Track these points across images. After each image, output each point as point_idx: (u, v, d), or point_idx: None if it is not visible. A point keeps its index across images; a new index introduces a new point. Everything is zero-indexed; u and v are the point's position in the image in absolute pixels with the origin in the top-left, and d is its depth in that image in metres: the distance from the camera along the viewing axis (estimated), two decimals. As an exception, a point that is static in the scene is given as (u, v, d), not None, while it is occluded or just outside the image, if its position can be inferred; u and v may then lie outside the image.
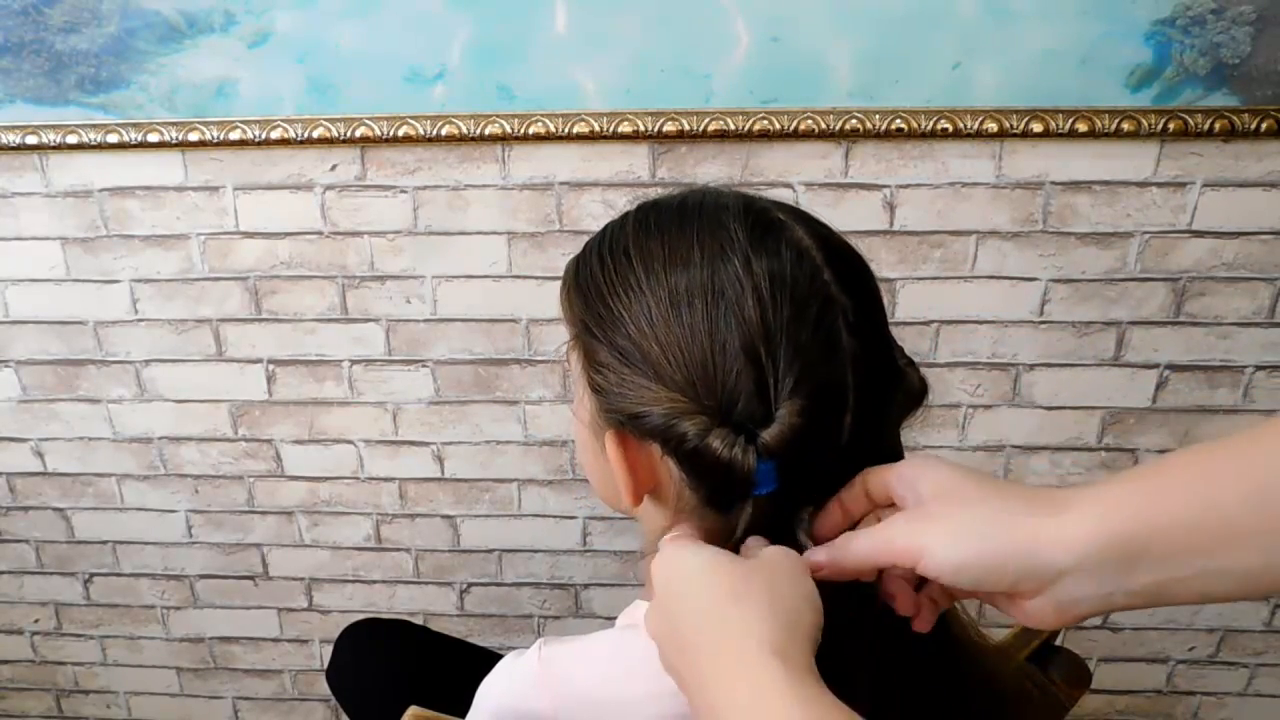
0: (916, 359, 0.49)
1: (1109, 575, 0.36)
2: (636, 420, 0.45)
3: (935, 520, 0.39)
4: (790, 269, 0.43)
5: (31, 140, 1.07)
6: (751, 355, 0.42)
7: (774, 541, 0.43)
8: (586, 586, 1.33)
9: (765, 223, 0.46)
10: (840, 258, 0.45)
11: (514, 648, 0.55)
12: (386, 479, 1.27)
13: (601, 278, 0.48)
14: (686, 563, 0.41)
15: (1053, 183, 1.05)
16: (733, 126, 1.02)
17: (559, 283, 0.54)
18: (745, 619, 0.37)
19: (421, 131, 1.04)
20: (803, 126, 1.01)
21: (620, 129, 1.02)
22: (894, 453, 0.48)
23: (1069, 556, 0.36)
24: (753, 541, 0.43)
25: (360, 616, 1.03)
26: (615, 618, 0.54)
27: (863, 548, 0.41)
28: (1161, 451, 1.17)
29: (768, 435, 0.41)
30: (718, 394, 0.42)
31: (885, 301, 1.09)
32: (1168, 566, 0.35)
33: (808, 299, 0.43)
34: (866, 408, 0.44)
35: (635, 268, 0.46)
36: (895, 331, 0.49)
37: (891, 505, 0.43)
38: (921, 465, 0.42)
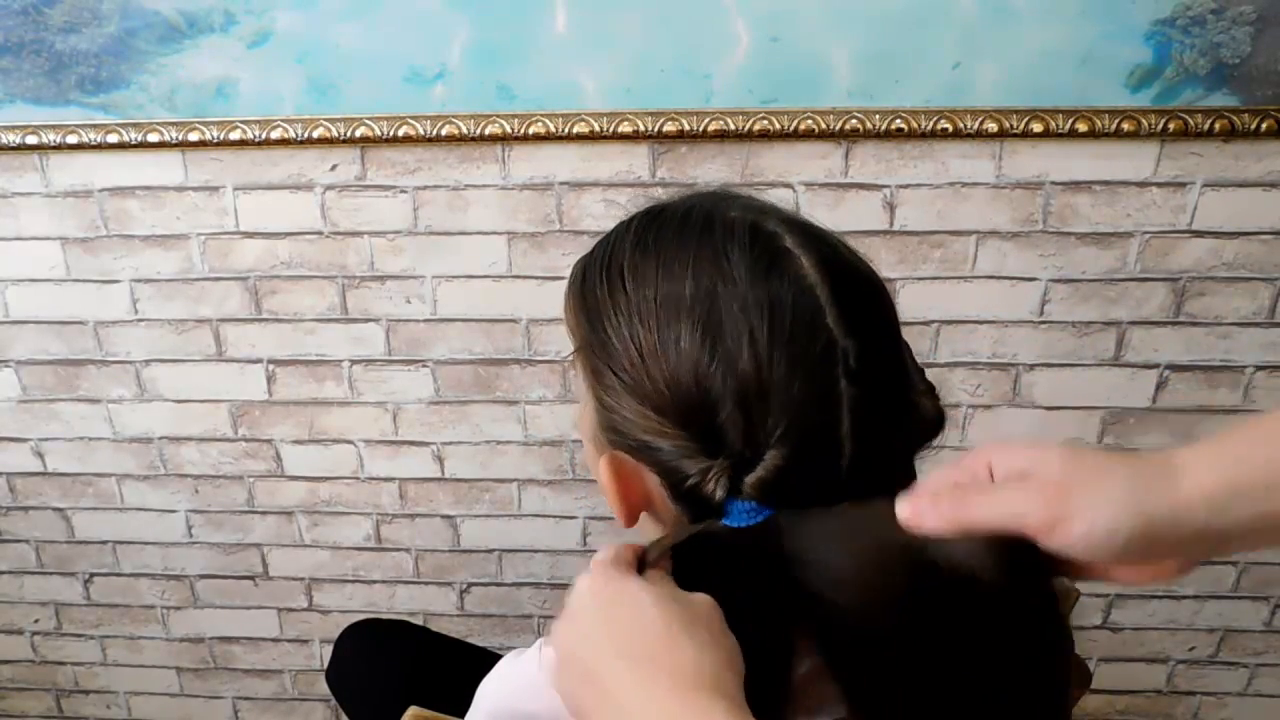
0: (916, 359, 0.49)
1: (1232, 522, 0.37)
2: (635, 446, 0.45)
3: (1076, 490, 0.38)
4: (790, 313, 0.42)
5: (31, 140, 1.07)
6: (741, 402, 0.42)
7: None
8: (586, 586, 1.33)
9: (771, 253, 0.44)
10: (851, 293, 0.43)
11: (514, 648, 0.55)
12: (386, 479, 1.27)
13: (599, 297, 0.47)
14: (635, 590, 0.40)
15: (1053, 183, 1.05)
16: (733, 126, 1.02)
17: (559, 283, 0.54)
18: (691, 654, 0.37)
19: (421, 131, 1.04)
20: (803, 126, 1.01)
21: (620, 129, 1.02)
22: (907, 478, 0.46)
23: (1208, 512, 0.36)
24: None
25: (360, 616, 1.03)
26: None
27: (988, 508, 0.39)
28: (1161, 451, 1.17)
29: (749, 479, 0.42)
30: (708, 434, 0.43)
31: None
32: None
33: (806, 347, 0.42)
34: (867, 446, 0.43)
35: (631, 293, 0.45)
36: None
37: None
38: (1046, 448, 0.41)
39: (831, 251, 0.45)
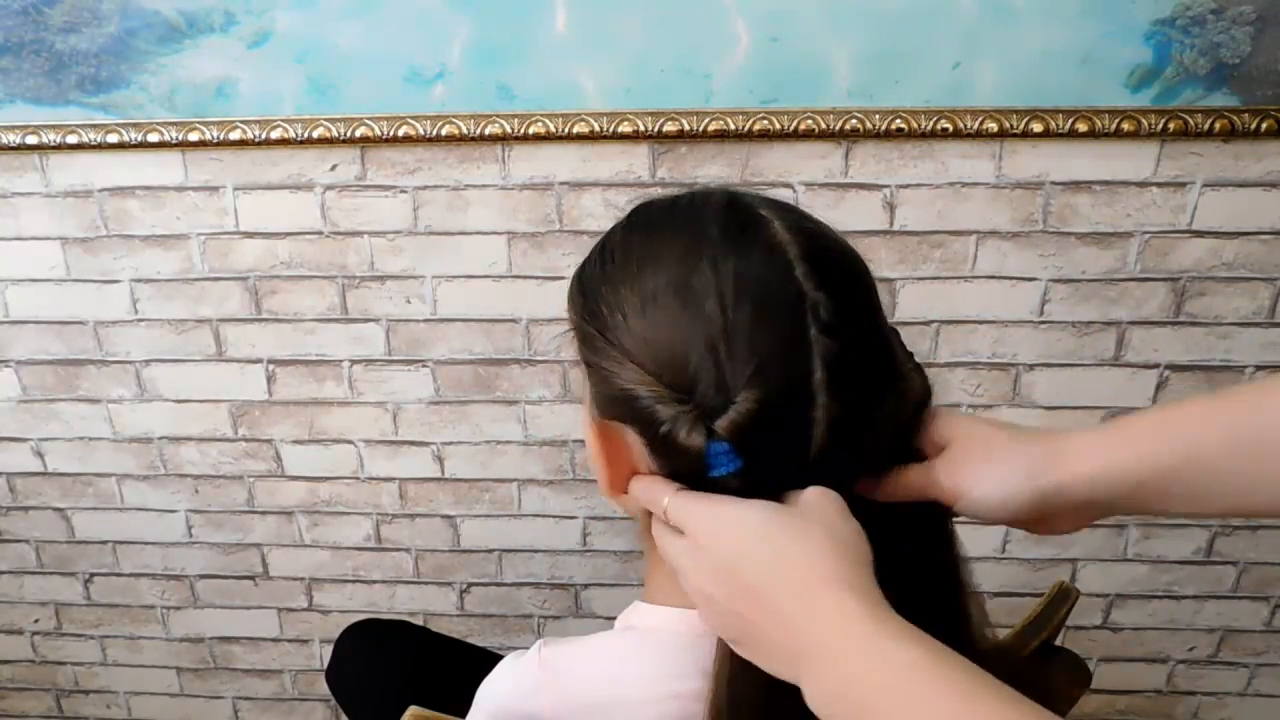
0: (916, 359, 0.49)
1: (1108, 499, 0.46)
2: (618, 398, 0.47)
3: (971, 466, 0.47)
4: (758, 266, 0.44)
5: (31, 140, 1.07)
6: (711, 349, 0.43)
7: None
8: (586, 586, 1.33)
9: (743, 220, 0.46)
10: (822, 254, 0.45)
11: (514, 648, 0.55)
12: (386, 479, 1.27)
13: (593, 274, 0.50)
14: (734, 513, 0.42)
15: (1053, 183, 1.05)
16: (733, 126, 1.02)
17: (560, 283, 0.55)
18: (810, 558, 0.40)
19: (421, 131, 1.04)
20: (803, 126, 1.01)
21: (620, 129, 1.02)
22: (906, 453, 0.49)
23: (1089, 490, 0.45)
24: (789, 494, 0.44)
25: (360, 616, 1.03)
26: (615, 618, 0.55)
27: (912, 480, 0.48)
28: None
29: (721, 421, 0.43)
30: (683, 383, 0.44)
31: (885, 302, 1.09)
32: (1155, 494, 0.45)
33: (773, 295, 0.44)
34: (847, 406, 0.43)
35: (620, 264, 0.48)
36: (896, 332, 0.49)
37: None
38: (955, 419, 0.50)
39: (807, 221, 0.47)
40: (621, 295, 0.47)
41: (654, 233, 0.48)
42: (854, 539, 0.41)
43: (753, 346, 0.43)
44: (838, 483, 0.44)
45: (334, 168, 1.09)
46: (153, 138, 1.06)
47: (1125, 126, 0.99)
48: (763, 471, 0.43)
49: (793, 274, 0.44)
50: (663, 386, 0.44)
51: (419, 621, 1.34)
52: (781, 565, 0.40)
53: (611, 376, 0.47)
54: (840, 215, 1.07)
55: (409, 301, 1.16)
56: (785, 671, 0.40)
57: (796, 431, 0.43)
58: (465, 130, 1.04)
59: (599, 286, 0.49)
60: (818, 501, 0.43)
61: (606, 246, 0.50)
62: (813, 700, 0.38)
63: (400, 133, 1.05)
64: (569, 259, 1.11)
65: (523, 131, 1.03)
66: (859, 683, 0.36)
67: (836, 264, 0.46)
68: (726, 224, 0.46)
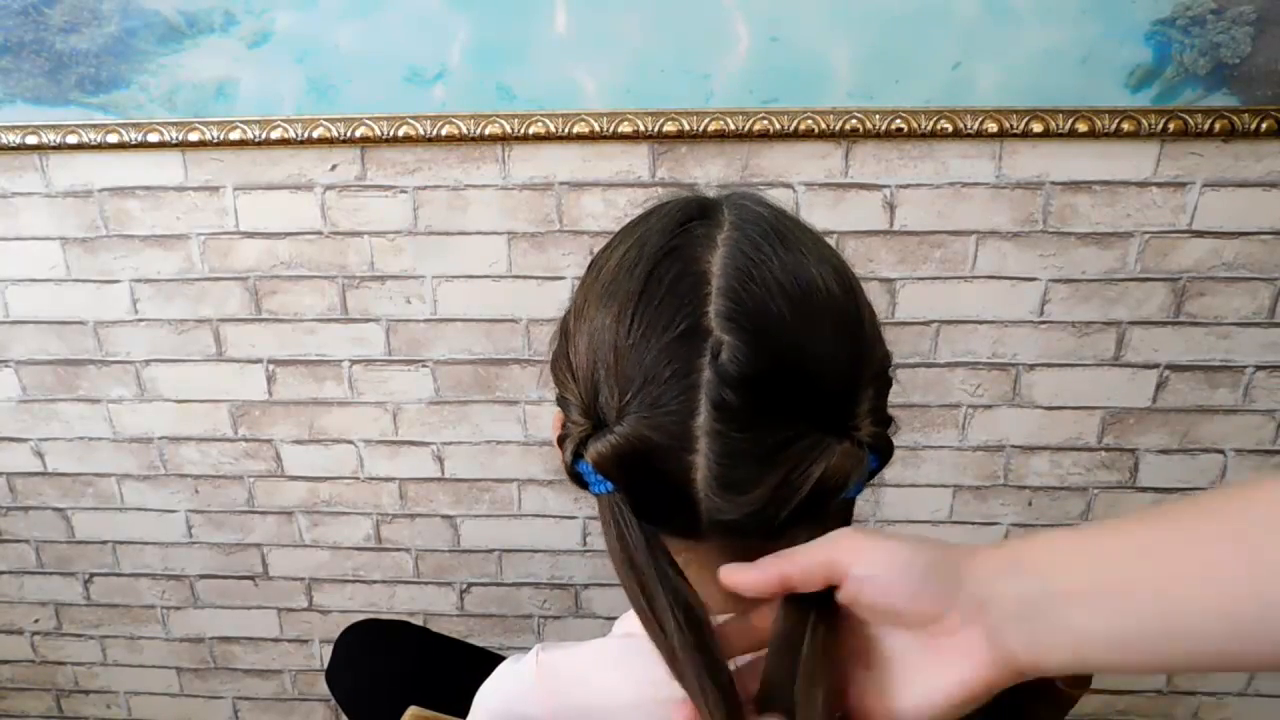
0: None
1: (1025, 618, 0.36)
2: (558, 399, 0.48)
3: (870, 537, 0.39)
4: (667, 289, 0.42)
5: (31, 140, 1.07)
6: (605, 366, 0.43)
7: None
8: (586, 586, 1.33)
9: (682, 241, 0.44)
10: (752, 296, 0.41)
11: (514, 648, 0.55)
12: (386, 479, 1.27)
13: (581, 281, 0.51)
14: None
15: (1053, 183, 1.05)
16: (733, 126, 1.02)
17: (560, 283, 0.56)
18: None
19: (421, 131, 1.04)
20: (803, 126, 1.01)
21: (620, 129, 1.02)
22: (820, 521, 0.42)
23: (989, 588, 0.37)
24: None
25: (360, 616, 1.03)
26: (616, 618, 0.55)
27: (797, 559, 0.40)
28: (1161, 452, 1.17)
29: (593, 445, 0.43)
30: (588, 397, 0.44)
31: (885, 302, 1.09)
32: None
33: (669, 323, 0.41)
34: (732, 461, 0.40)
35: (588, 269, 0.49)
36: (895, 332, 0.47)
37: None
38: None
39: (760, 252, 0.43)
40: (578, 299, 0.48)
41: (620, 238, 0.48)
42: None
43: (636, 374, 0.41)
44: (745, 537, 0.42)
45: (334, 168, 1.09)
46: (153, 138, 1.06)
47: (1125, 126, 0.99)
48: (645, 502, 0.43)
49: (702, 307, 0.41)
50: (579, 397, 0.45)
51: (419, 621, 1.34)
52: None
53: (559, 381, 0.48)
54: (840, 215, 1.07)
55: (409, 301, 1.16)
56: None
57: (674, 474, 0.41)
58: (465, 130, 1.04)
59: (576, 288, 0.50)
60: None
61: (596, 251, 0.51)
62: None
63: (400, 133, 1.05)
64: (569, 259, 1.11)
65: (523, 131, 1.03)
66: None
67: (768, 310, 0.41)
68: (664, 240, 0.44)
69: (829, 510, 0.43)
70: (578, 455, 0.44)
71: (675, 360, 0.41)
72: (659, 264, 0.43)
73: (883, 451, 0.44)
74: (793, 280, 0.42)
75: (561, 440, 0.46)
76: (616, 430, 0.42)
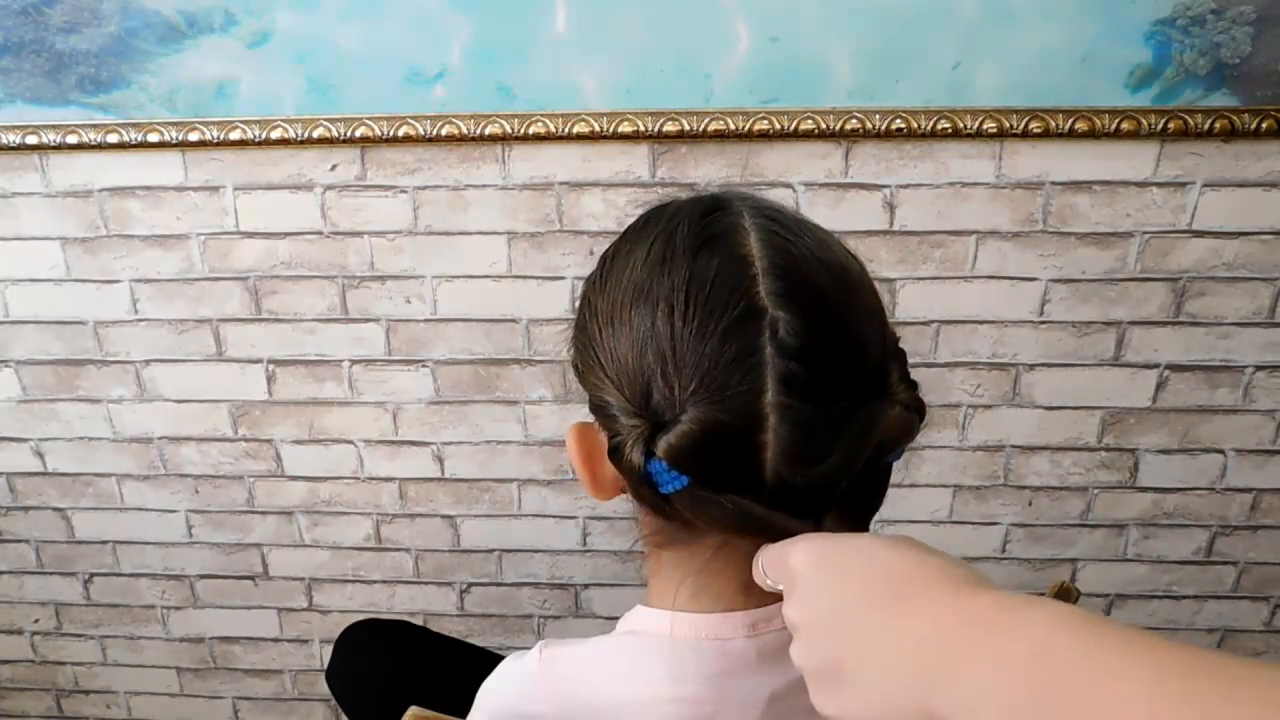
0: (916, 359, 0.49)
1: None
2: (598, 409, 0.47)
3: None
4: (715, 276, 0.42)
5: (31, 140, 1.07)
6: (660, 362, 0.42)
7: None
8: (586, 586, 1.33)
9: (715, 229, 0.45)
10: (797, 271, 0.43)
11: (514, 648, 0.55)
12: (386, 479, 1.27)
13: (589, 280, 0.50)
14: (859, 541, 0.40)
15: (1053, 183, 1.05)
16: (733, 126, 1.02)
17: (560, 283, 0.56)
18: (944, 568, 0.37)
19: (421, 131, 1.04)
20: (803, 126, 1.01)
21: (620, 129, 1.02)
22: (873, 486, 0.45)
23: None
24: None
25: (360, 616, 1.03)
26: (616, 618, 0.55)
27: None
28: (1161, 452, 1.17)
29: (662, 440, 0.42)
30: (638, 396, 0.44)
31: (885, 301, 1.09)
32: None
33: (726, 309, 0.41)
34: (802, 432, 0.41)
35: (603, 272, 0.48)
36: (895, 331, 0.48)
37: None
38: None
39: (795, 236, 0.45)
40: (600, 304, 0.47)
41: (634, 239, 0.48)
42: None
43: (699, 362, 0.41)
44: (805, 514, 0.42)
45: (334, 168, 1.09)
46: (153, 138, 1.06)
47: (1125, 126, 0.99)
48: (715, 490, 0.42)
49: (752, 288, 0.42)
50: (625, 400, 0.44)
51: (419, 621, 1.34)
52: (926, 572, 0.37)
53: (593, 388, 0.47)
54: (840, 215, 1.07)
55: (409, 301, 1.16)
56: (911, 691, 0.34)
57: (745, 455, 0.42)
58: (465, 130, 1.04)
59: (588, 294, 0.49)
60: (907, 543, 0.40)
61: (603, 254, 0.50)
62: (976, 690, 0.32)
63: (400, 133, 1.05)
64: (569, 259, 1.11)
65: (523, 131, 1.03)
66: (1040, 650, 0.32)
67: (813, 284, 0.43)
68: (696, 232, 0.45)
69: (884, 477, 0.45)
70: (649, 454, 0.42)
71: (736, 342, 0.41)
72: (699, 254, 0.44)
73: (921, 412, 0.46)
74: (826, 257, 0.45)
75: (614, 451, 0.44)
76: (684, 420, 0.41)
